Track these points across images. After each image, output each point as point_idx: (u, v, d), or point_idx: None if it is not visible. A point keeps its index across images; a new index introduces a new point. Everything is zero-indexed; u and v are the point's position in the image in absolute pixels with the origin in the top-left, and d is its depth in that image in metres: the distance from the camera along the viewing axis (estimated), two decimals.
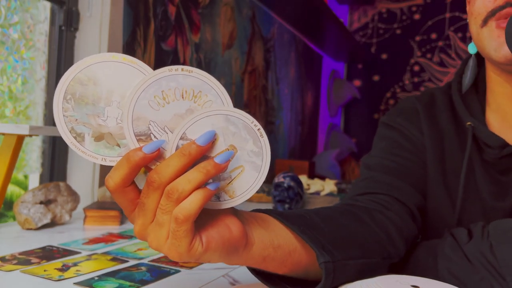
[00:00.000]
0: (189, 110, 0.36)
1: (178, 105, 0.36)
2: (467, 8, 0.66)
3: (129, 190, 0.36)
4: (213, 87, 0.37)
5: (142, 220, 0.36)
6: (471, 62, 0.66)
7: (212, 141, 0.36)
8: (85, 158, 0.37)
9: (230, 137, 0.37)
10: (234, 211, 0.40)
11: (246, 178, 0.38)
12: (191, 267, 0.62)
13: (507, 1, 0.54)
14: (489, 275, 0.47)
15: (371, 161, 0.66)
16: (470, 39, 0.65)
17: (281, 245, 0.43)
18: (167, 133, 0.36)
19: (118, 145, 0.37)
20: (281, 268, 0.44)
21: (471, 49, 0.65)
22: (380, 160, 0.65)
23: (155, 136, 0.36)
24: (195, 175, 0.34)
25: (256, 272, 0.47)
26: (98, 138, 0.37)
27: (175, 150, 0.35)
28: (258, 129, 0.37)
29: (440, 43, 2.55)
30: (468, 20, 0.65)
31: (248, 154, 0.37)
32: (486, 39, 0.57)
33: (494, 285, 0.46)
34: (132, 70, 0.37)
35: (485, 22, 0.57)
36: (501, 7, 0.54)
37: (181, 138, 0.36)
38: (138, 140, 0.36)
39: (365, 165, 0.67)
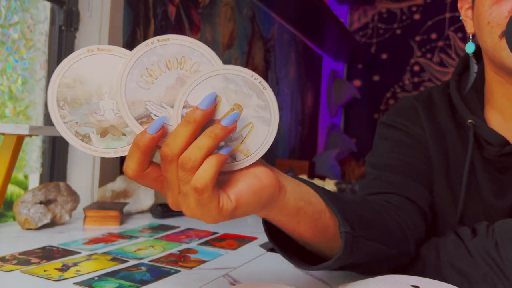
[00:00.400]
0: (179, 78, 0.36)
1: (166, 77, 0.36)
2: (464, 11, 0.65)
3: (149, 171, 0.36)
4: (195, 48, 0.35)
5: (170, 192, 0.36)
6: (472, 62, 0.66)
7: (214, 103, 0.35)
8: (99, 156, 0.37)
9: (232, 96, 0.36)
10: (261, 161, 0.39)
11: (258, 134, 0.37)
12: (191, 267, 0.62)
13: None
14: (492, 273, 0.47)
15: (377, 160, 0.66)
16: (470, 39, 0.65)
17: (312, 202, 0.43)
18: (165, 108, 0.36)
19: (124, 134, 0.37)
20: (312, 228, 0.43)
21: (469, 48, 0.65)
22: (387, 160, 0.65)
23: (155, 115, 0.36)
24: (204, 141, 0.34)
25: (272, 238, 0.47)
26: (103, 133, 0.37)
27: (180, 119, 0.35)
28: (260, 81, 0.36)
29: (440, 43, 2.55)
30: (469, 21, 0.65)
31: (255, 109, 0.36)
32: (506, 49, 0.56)
33: (497, 283, 0.46)
34: (112, 58, 0.36)
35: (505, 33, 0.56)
36: None
37: (184, 107, 0.35)
38: (141, 124, 0.36)
39: (371, 164, 0.67)
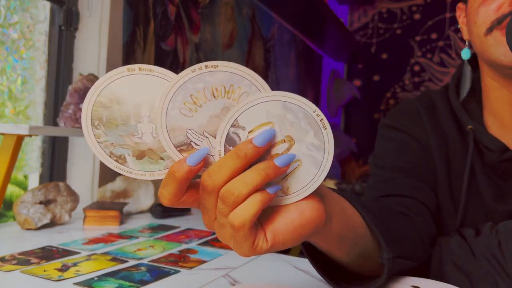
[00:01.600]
0: (225, 108, 0.33)
1: (211, 106, 0.33)
2: (462, 18, 0.67)
3: (185, 198, 0.34)
4: (245, 76, 0.33)
5: (206, 216, 0.34)
6: (467, 68, 0.67)
7: (271, 142, 0.32)
8: (133, 177, 0.35)
9: (287, 126, 0.33)
10: None
11: (304, 174, 0.33)
12: (191, 267, 0.62)
13: (510, 10, 0.55)
14: (494, 271, 0.47)
15: (385, 162, 0.66)
16: (466, 45, 0.66)
17: (355, 228, 0.41)
18: (207, 137, 0.33)
19: (162, 158, 0.35)
20: (350, 252, 0.42)
21: (464, 55, 0.66)
22: (394, 162, 0.65)
23: (196, 144, 0.33)
24: (252, 177, 0.31)
25: (312, 257, 0.45)
26: (140, 156, 0.35)
27: (225, 138, 0.33)
28: (321, 119, 0.33)
29: (441, 43, 2.55)
30: (465, 28, 0.66)
31: (308, 147, 0.33)
32: (493, 46, 0.57)
33: (498, 281, 0.46)
34: (152, 79, 0.33)
35: (490, 30, 0.57)
36: (507, 15, 0.55)
37: (233, 126, 0.33)
38: (180, 151, 0.33)
39: (378, 166, 0.66)
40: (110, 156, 0.35)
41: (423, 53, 2.60)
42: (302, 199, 0.34)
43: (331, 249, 0.41)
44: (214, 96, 0.33)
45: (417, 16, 2.62)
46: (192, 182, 0.34)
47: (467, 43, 0.66)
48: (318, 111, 0.33)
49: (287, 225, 0.33)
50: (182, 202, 0.34)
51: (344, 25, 2.25)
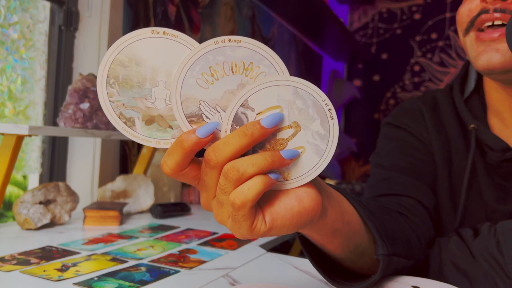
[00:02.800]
0: (241, 85, 0.33)
1: (228, 81, 0.33)
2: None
3: (187, 171, 0.34)
4: (266, 56, 0.33)
5: (205, 194, 0.34)
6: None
7: (278, 125, 0.33)
8: (139, 142, 0.35)
9: (295, 112, 0.33)
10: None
11: (305, 161, 0.34)
12: (190, 267, 0.62)
13: (479, 11, 0.57)
14: (493, 271, 0.47)
15: (385, 161, 0.66)
16: None
17: (350, 222, 0.41)
18: (219, 112, 0.33)
19: (171, 127, 0.35)
20: (344, 246, 0.42)
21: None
22: (394, 161, 0.65)
23: (207, 117, 0.33)
24: (260, 161, 0.32)
25: (308, 252, 0.46)
26: (149, 121, 0.35)
27: (233, 117, 0.33)
28: (329, 109, 0.33)
29: (441, 43, 2.55)
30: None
31: (312, 135, 0.34)
32: (469, 47, 0.59)
33: (498, 282, 0.46)
34: (175, 44, 0.33)
35: (467, 31, 0.59)
36: (476, 16, 0.57)
37: (242, 106, 0.33)
38: (189, 122, 0.33)
39: (378, 165, 0.66)
40: (119, 117, 0.34)
41: (423, 53, 2.60)
42: (301, 187, 0.34)
43: (324, 242, 0.41)
44: (233, 72, 0.33)
45: (417, 16, 2.61)
46: (194, 159, 0.34)
47: None
48: (328, 101, 0.33)
49: (286, 210, 0.34)
50: (184, 174, 0.34)
51: (344, 25, 2.25)
